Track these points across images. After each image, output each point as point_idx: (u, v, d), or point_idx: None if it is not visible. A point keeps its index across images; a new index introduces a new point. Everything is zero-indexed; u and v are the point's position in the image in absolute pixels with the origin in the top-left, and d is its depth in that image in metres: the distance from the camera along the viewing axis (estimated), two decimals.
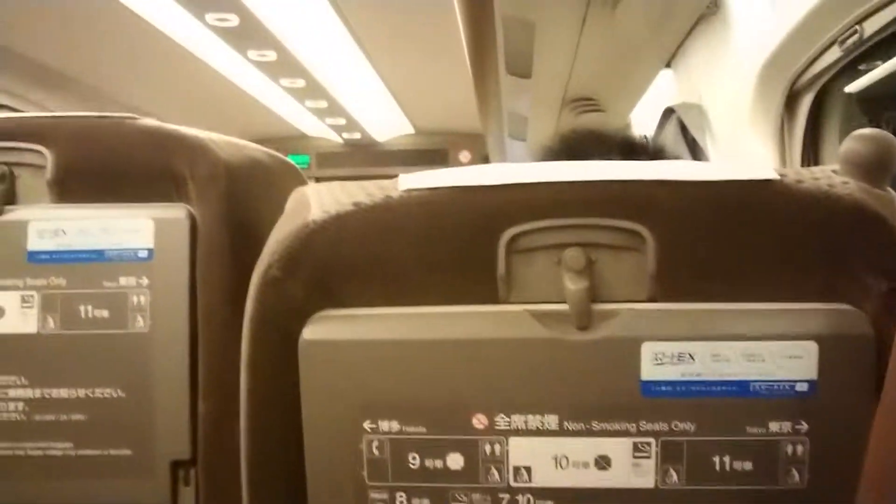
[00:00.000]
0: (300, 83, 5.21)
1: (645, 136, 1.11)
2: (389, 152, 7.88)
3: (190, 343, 0.87)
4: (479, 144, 7.17)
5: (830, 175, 0.64)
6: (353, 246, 0.62)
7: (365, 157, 7.87)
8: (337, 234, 0.62)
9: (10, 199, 0.90)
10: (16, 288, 0.88)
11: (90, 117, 0.92)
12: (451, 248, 0.62)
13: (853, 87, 1.74)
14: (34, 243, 0.88)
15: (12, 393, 0.88)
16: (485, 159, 7.31)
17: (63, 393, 0.87)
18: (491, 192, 0.62)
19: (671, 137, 2.50)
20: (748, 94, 1.91)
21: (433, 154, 7.86)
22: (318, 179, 7.92)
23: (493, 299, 0.63)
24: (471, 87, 3.59)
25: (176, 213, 0.88)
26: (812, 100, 1.82)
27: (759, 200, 0.61)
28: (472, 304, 0.63)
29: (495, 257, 0.62)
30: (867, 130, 0.66)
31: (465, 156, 7.87)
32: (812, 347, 0.60)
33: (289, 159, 1.09)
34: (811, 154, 1.88)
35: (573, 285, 0.62)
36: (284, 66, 4.72)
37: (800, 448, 0.60)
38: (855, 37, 1.46)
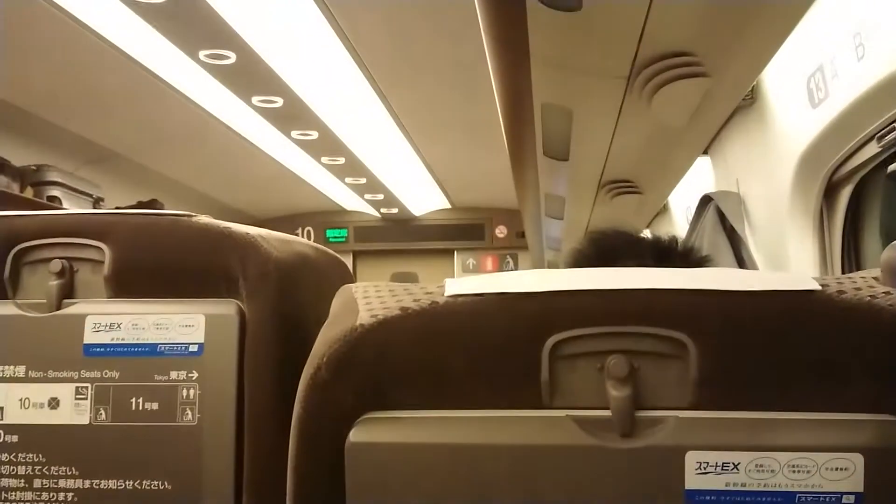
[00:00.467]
0: (340, 161, 5.33)
1: (675, 238, 1.12)
2: (426, 227, 7.95)
3: (236, 437, 0.88)
4: (515, 220, 7.22)
5: (872, 284, 0.64)
6: (400, 350, 0.64)
7: (402, 231, 7.95)
8: (384, 339, 0.63)
9: (69, 293, 0.93)
10: (71, 380, 0.90)
11: (148, 215, 0.95)
12: (495, 353, 0.63)
13: (893, 167, 1.75)
14: (90, 337, 0.91)
15: (62, 483, 0.89)
16: (520, 235, 7.35)
17: (111, 484, 0.89)
18: (535, 298, 0.63)
19: (709, 225, 2.51)
20: (786, 184, 1.92)
21: (470, 229, 7.93)
22: (355, 253, 8.01)
23: (537, 404, 0.63)
24: (508, 167, 3.63)
25: (227, 308, 0.90)
26: (851, 191, 1.82)
27: (800, 311, 0.62)
28: (515, 408, 0.63)
29: (539, 363, 0.63)
30: None
31: (501, 230, 7.92)
32: (858, 460, 0.59)
33: (335, 254, 1.12)
34: (851, 245, 1.88)
35: (616, 392, 0.62)
36: (326, 144, 4.84)
37: None
38: (893, 134, 1.47)
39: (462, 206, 7.76)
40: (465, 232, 7.95)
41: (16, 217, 0.96)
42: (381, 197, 6.87)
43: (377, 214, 7.78)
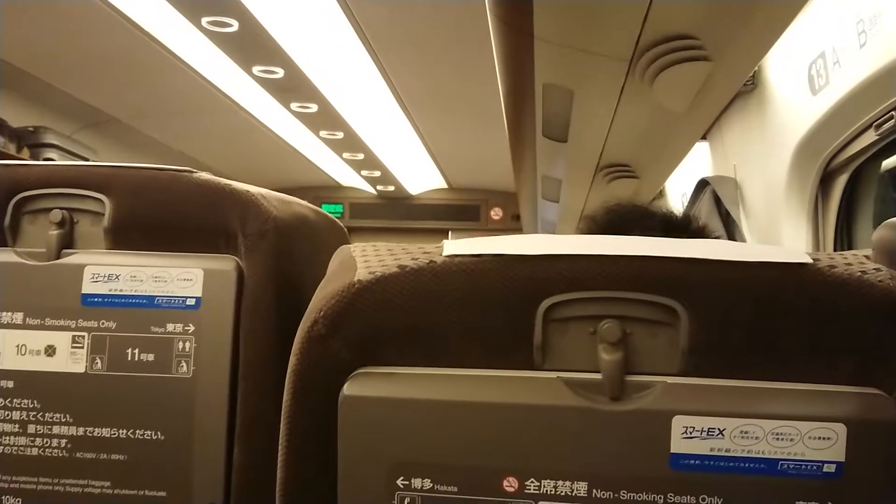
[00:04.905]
0: (339, 135, 5.31)
1: (689, 215, 1.12)
2: (422, 206, 7.94)
3: (230, 391, 0.90)
4: (511, 203, 7.22)
5: (863, 261, 0.65)
6: (396, 307, 0.64)
7: (397, 209, 7.94)
8: (381, 295, 0.64)
9: (69, 243, 0.94)
10: (68, 329, 0.91)
11: (149, 169, 0.96)
12: (490, 314, 0.64)
13: (888, 163, 1.76)
14: (88, 287, 0.91)
15: (56, 430, 0.90)
16: (515, 218, 7.35)
17: (105, 432, 0.90)
18: (532, 262, 0.64)
19: (705, 209, 2.52)
20: (783, 171, 1.93)
21: (465, 210, 7.92)
22: (350, 230, 7.99)
23: (529, 365, 0.64)
24: (506, 148, 3.63)
25: (225, 264, 0.91)
26: (847, 180, 1.83)
27: (791, 283, 0.62)
28: (508, 368, 0.64)
29: (533, 325, 0.64)
30: None
31: (496, 213, 7.92)
32: (841, 430, 0.60)
33: (332, 216, 1.12)
34: (844, 233, 1.89)
35: (608, 356, 0.63)
36: (325, 118, 4.82)
37: None
38: (891, 122, 1.48)
39: (458, 187, 7.75)
40: (460, 212, 7.94)
41: (18, 166, 0.96)
42: (377, 174, 6.86)
43: (373, 191, 7.76)
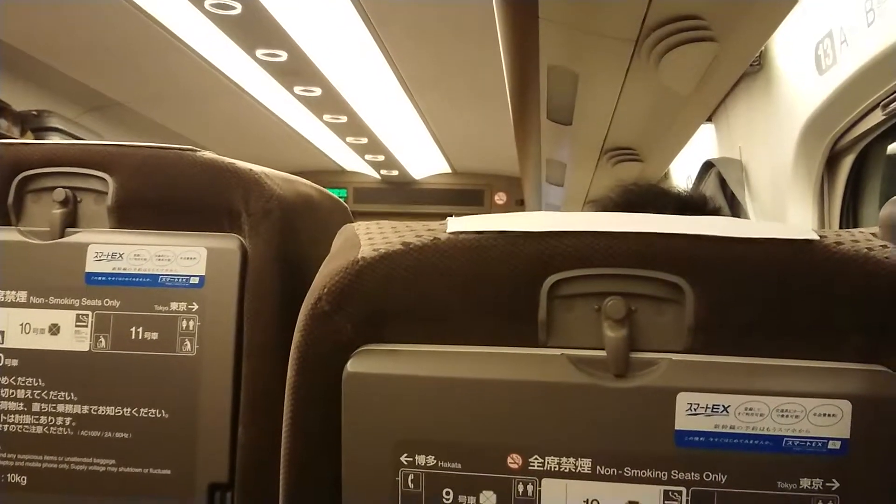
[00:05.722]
0: (343, 119, 5.30)
1: (705, 195, 1.11)
2: (426, 190, 7.94)
3: (234, 370, 0.90)
4: (515, 187, 7.21)
5: (870, 238, 0.64)
6: (400, 284, 0.64)
7: (401, 194, 7.93)
8: (385, 273, 0.64)
9: (72, 222, 0.94)
10: (72, 307, 0.91)
11: (153, 147, 0.95)
12: (494, 290, 0.64)
13: (893, 148, 1.75)
14: (92, 265, 0.92)
15: (61, 408, 0.91)
16: (519, 203, 7.34)
17: (110, 411, 0.90)
18: (536, 238, 0.64)
19: (710, 191, 2.51)
20: (789, 152, 1.92)
21: (469, 194, 7.91)
22: (354, 214, 7.97)
23: (534, 342, 0.64)
24: (511, 132, 3.62)
25: (229, 243, 0.91)
26: (853, 161, 1.82)
27: (798, 260, 0.62)
28: (512, 346, 0.64)
29: (537, 302, 0.64)
30: None
31: (500, 198, 7.91)
32: (846, 407, 0.60)
33: (337, 197, 1.12)
34: (850, 215, 1.88)
35: (612, 333, 0.63)
36: (328, 102, 4.81)
37: None
38: None
39: (462, 172, 7.73)
40: (464, 197, 7.93)
41: (21, 145, 0.96)
42: (381, 158, 6.85)
43: (377, 176, 7.76)
